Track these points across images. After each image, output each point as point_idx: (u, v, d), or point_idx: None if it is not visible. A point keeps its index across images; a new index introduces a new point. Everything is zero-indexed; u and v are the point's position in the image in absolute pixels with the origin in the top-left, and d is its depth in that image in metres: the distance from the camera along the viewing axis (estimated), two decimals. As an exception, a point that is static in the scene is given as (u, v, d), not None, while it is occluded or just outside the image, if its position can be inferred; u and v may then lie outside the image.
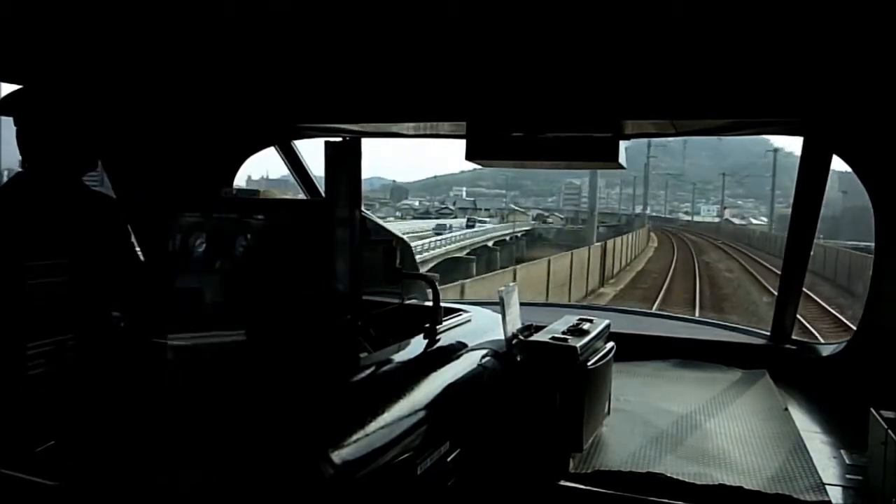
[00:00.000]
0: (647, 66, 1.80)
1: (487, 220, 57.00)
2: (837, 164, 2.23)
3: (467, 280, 13.37)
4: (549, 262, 16.76)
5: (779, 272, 2.56)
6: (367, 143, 1.90)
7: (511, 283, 2.02)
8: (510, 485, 1.69)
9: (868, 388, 1.97)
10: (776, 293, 2.65)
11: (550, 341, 1.73)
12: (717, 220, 70.86)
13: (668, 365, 2.51)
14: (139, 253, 1.83)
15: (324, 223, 1.71)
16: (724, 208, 73.00)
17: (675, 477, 1.56)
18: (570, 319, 1.92)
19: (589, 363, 1.72)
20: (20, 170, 1.76)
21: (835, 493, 1.53)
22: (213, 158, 2.68)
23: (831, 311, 13.10)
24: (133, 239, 1.83)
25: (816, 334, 9.55)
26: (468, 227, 44.25)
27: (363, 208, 1.68)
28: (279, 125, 2.68)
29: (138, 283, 1.79)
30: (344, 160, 1.78)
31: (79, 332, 1.35)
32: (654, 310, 10.12)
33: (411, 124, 2.53)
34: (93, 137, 1.82)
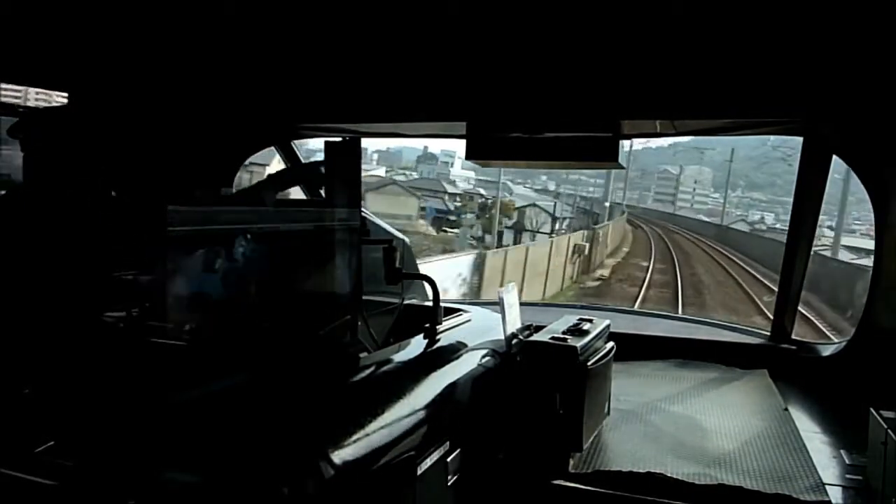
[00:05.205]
0: (646, 66, 1.80)
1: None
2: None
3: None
4: None
5: None
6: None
7: (510, 283, 2.02)
8: (510, 485, 1.69)
9: (868, 388, 1.97)
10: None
11: (550, 341, 1.73)
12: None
13: (668, 365, 2.51)
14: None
15: (324, 223, 1.72)
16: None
17: (675, 477, 1.56)
18: (570, 319, 1.92)
19: (589, 363, 1.72)
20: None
21: (835, 493, 1.53)
22: (213, 158, 2.68)
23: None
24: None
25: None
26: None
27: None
28: (279, 125, 2.68)
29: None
30: (343, 160, 1.78)
31: (72, 334, 1.35)
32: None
33: (411, 124, 2.53)
34: (100, 174, 1.82)
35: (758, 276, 17.97)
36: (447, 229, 30.06)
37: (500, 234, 29.67)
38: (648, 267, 20.31)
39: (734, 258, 23.33)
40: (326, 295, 1.79)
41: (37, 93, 2.17)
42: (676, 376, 2.39)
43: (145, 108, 2.30)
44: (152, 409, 1.24)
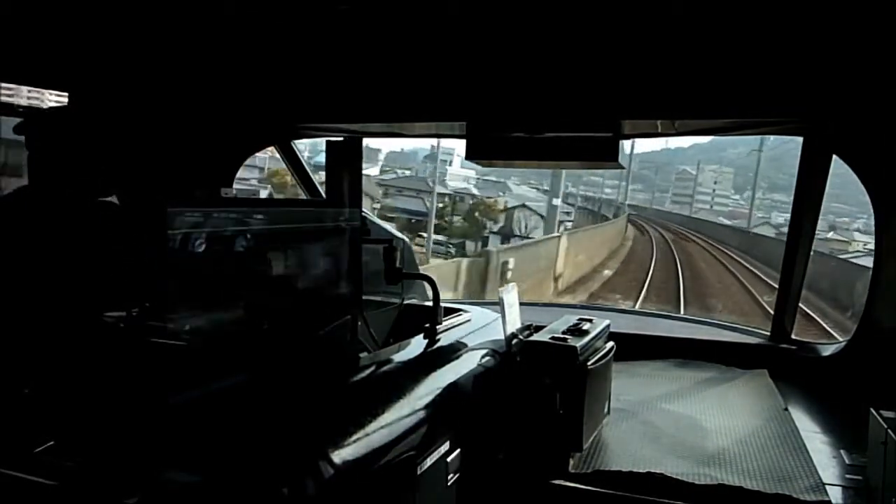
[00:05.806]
0: (647, 66, 1.80)
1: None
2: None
3: None
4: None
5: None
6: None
7: (511, 283, 2.02)
8: (510, 484, 1.69)
9: (868, 388, 1.97)
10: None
11: (550, 341, 1.72)
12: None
13: (668, 365, 2.51)
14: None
15: (324, 223, 1.71)
16: None
17: (675, 477, 1.56)
18: (570, 319, 1.92)
19: (589, 363, 1.72)
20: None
21: (835, 493, 1.53)
22: (213, 158, 2.68)
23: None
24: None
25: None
26: None
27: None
28: (279, 125, 2.69)
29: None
30: (344, 160, 1.78)
31: (73, 334, 1.35)
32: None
33: (411, 124, 2.53)
34: (107, 172, 1.81)
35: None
36: (424, 234, 25.71)
37: (486, 240, 26.86)
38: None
39: (774, 283, 13.44)
40: (326, 295, 1.79)
41: (28, 91, 2.16)
42: (676, 376, 2.39)
43: (145, 108, 2.30)
44: (152, 410, 1.24)
